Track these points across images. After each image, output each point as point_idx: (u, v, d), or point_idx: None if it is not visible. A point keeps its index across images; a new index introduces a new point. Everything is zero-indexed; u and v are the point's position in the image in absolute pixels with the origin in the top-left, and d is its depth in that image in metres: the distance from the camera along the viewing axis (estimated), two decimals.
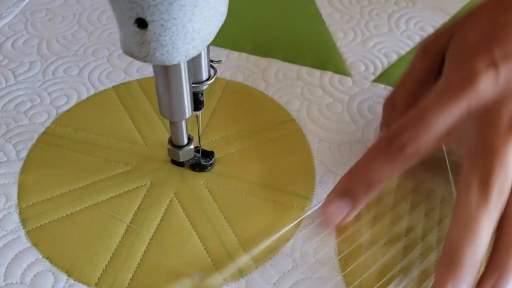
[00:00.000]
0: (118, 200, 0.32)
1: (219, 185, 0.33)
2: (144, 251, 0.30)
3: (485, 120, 0.28)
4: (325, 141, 0.37)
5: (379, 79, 0.42)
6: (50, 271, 0.29)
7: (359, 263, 0.29)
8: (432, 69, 0.32)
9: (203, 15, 0.23)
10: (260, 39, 0.45)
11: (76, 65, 0.42)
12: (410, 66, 0.34)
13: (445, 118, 0.28)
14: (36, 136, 0.36)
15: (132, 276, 0.29)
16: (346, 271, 0.29)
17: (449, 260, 0.27)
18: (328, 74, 0.42)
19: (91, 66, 0.41)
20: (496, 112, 0.28)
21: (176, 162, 0.34)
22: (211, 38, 0.25)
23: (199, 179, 0.34)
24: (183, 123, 0.30)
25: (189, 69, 0.27)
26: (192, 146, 0.32)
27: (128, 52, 0.24)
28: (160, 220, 0.31)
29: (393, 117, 0.33)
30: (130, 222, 0.31)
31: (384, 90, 0.41)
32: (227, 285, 0.28)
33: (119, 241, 0.30)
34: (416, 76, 0.33)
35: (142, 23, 0.22)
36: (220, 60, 0.31)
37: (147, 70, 0.41)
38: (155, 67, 0.26)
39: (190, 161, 0.33)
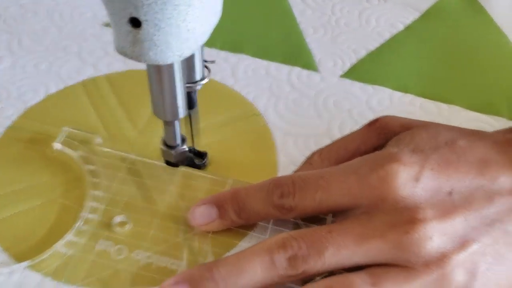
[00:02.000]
0: (81, 193, 0.32)
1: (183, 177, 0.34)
2: None
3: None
4: (290, 135, 0.37)
5: (347, 74, 0.42)
6: (8, 262, 0.29)
7: None
8: (368, 143, 0.32)
9: (197, 14, 0.23)
10: (231, 34, 0.45)
11: (46, 60, 0.42)
12: (351, 133, 0.33)
13: (337, 197, 0.27)
14: (2, 130, 0.36)
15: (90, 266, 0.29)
16: None
17: None
18: (297, 70, 0.42)
19: (61, 62, 0.42)
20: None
21: (169, 163, 0.33)
22: (205, 38, 0.24)
23: (163, 172, 0.34)
24: (177, 123, 0.30)
25: (182, 69, 0.27)
26: (185, 147, 0.32)
27: (122, 52, 0.24)
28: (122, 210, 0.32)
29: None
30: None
31: (351, 86, 0.41)
32: None
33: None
34: (349, 144, 0.33)
35: (135, 23, 0.22)
36: (214, 60, 0.31)
37: (116, 65, 0.42)
38: (148, 67, 0.26)
39: (183, 161, 0.33)
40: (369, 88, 0.41)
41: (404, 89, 0.41)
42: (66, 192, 0.33)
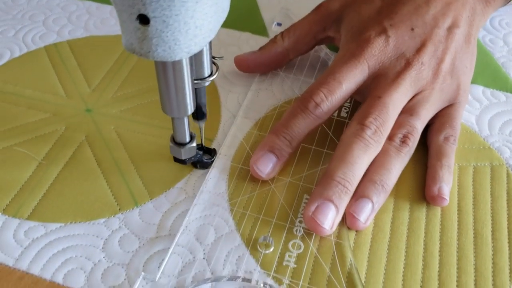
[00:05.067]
0: (34, 142, 0.35)
1: (129, 129, 0.36)
2: (51, 184, 0.33)
3: (377, 73, 0.34)
4: (234, 92, 0.40)
5: None
6: None
7: (243, 197, 0.33)
8: (319, 23, 0.39)
9: (205, 11, 0.23)
10: None
11: (12, 27, 0.45)
12: (304, 18, 0.40)
13: (351, 78, 0.33)
14: None
15: (37, 204, 0.32)
16: (232, 200, 0.32)
17: (323, 181, 0.31)
18: (247, 35, 0.45)
19: (27, 29, 0.45)
20: (386, 67, 0.34)
21: (178, 160, 0.33)
22: (213, 34, 0.24)
23: (110, 125, 0.37)
24: (185, 120, 0.30)
25: (191, 65, 0.27)
26: (194, 144, 0.32)
27: (130, 49, 0.24)
28: (69, 159, 0.34)
29: (273, 47, 0.40)
30: (42, 160, 0.34)
31: None
32: (122, 213, 0.31)
33: (30, 175, 0.33)
34: (305, 24, 0.40)
35: (144, 20, 0.22)
36: (222, 57, 0.32)
37: (77, 33, 0.44)
38: (157, 64, 0.26)
39: (192, 158, 0.33)
40: None
41: None
42: (22, 142, 0.35)
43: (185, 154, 0.32)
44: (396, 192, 0.33)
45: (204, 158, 0.34)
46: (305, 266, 0.29)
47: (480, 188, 0.33)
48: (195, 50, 0.24)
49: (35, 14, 0.46)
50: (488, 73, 0.42)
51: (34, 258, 0.29)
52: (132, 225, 0.31)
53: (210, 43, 0.27)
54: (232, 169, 0.34)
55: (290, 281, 0.28)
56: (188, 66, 0.26)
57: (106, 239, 0.30)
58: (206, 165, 0.34)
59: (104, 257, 0.29)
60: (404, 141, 0.32)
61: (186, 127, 0.30)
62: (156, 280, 0.28)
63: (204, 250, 0.30)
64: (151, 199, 0.32)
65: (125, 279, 0.28)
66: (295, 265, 0.29)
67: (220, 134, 0.36)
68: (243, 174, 0.34)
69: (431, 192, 0.32)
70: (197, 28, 0.23)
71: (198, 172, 0.34)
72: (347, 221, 0.31)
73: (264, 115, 0.38)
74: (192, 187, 0.33)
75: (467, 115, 0.38)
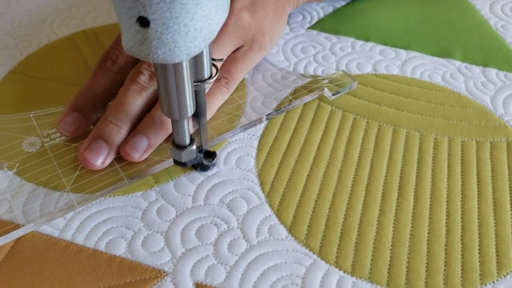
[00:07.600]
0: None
1: None
2: None
3: None
4: (259, 71, 0.41)
5: (313, 27, 0.46)
6: None
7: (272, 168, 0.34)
8: None
9: (204, 13, 0.23)
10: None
11: (42, 16, 0.46)
12: None
13: None
14: (3, 74, 0.41)
15: (74, 179, 0.33)
16: (261, 169, 0.34)
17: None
18: None
19: (56, 17, 0.46)
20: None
21: (178, 162, 0.33)
22: (212, 36, 0.24)
23: None
24: (185, 122, 0.30)
25: (191, 67, 0.27)
26: (194, 147, 0.32)
27: (130, 51, 0.24)
28: None
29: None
30: None
31: (318, 36, 0.45)
32: (158, 186, 0.33)
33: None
34: None
35: (144, 22, 0.22)
36: (222, 59, 0.32)
37: (101, 19, 0.46)
38: (156, 66, 0.26)
39: (192, 161, 0.33)
40: (333, 37, 0.45)
41: (366, 39, 0.45)
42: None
43: (185, 157, 0.32)
44: (419, 164, 0.34)
45: (204, 161, 0.34)
46: None
47: (498, 161, 0.35)
48: (195, 52, 0.24)
49: (61, 2, 0.48)
50: (501, 57, 0.43)
51: (77, 229, 0.31)
52: (168, 196, 0.32)
53: (210, 45, 0.28)
54: (260, 145, 0.36)
55: None
56: (188, 68, 0.26)
57: (144, 210, 0.32)
58: (206, 168, 0.34)
59: (143, 226, 0.31)
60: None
61: (186, 129, 0.30)
62: None
63: (237, 220, 0.31)
64: (184, 173, 0.34)
65: (164, 245, 0.30)
66: None
67: (247, 112, 0.38)
68: (270, 150, 0.35)
69: None
70: (197, 30, 0.23)
71: (229, 147, 0.35)
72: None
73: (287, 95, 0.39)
74: (222, 162, 0.34)
75: (482, 96, 0.40)
